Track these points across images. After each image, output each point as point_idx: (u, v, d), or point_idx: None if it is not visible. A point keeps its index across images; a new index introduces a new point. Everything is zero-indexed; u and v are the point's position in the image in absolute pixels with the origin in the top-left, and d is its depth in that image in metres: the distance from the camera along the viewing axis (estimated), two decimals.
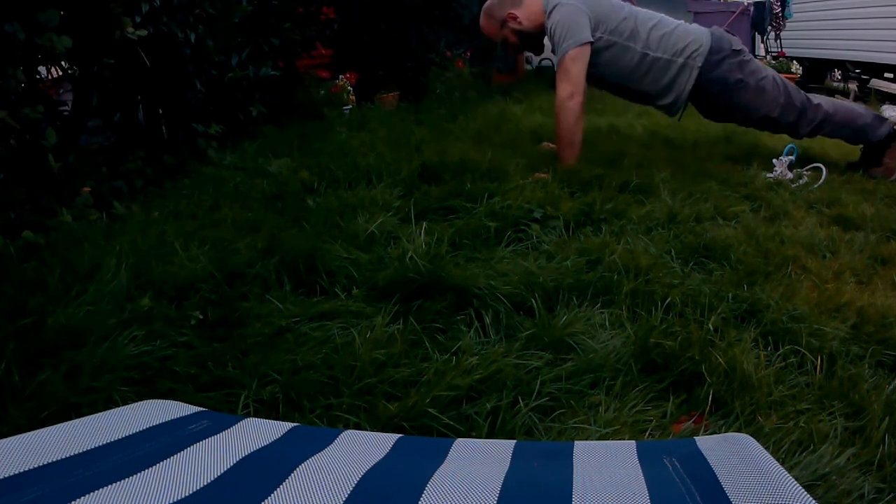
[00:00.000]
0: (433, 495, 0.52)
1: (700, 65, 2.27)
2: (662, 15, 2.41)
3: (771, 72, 2.38)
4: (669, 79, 2.31)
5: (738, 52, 2.31)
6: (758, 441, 0.61)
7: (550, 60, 7.65)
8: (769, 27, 7.81)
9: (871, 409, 0.87)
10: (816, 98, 2.41)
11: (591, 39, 2.23)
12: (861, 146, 2.44)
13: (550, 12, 2.31)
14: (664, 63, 2.29)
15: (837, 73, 7.34)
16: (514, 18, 2.41)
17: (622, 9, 2.33)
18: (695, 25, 2.39)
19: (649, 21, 2.32)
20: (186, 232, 1.44)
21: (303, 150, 2.33)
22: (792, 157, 2.27)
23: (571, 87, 2.18)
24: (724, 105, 2.35)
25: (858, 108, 2.52)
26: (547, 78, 6.53)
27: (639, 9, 2.39)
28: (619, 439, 0.80)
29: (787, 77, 5.65)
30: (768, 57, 6.90)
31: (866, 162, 2.38)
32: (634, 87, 2.36)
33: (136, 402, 0.73)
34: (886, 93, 5.85)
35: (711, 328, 1.06)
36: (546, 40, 2.39)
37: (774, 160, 2.24)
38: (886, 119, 2.42)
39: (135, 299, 1.10)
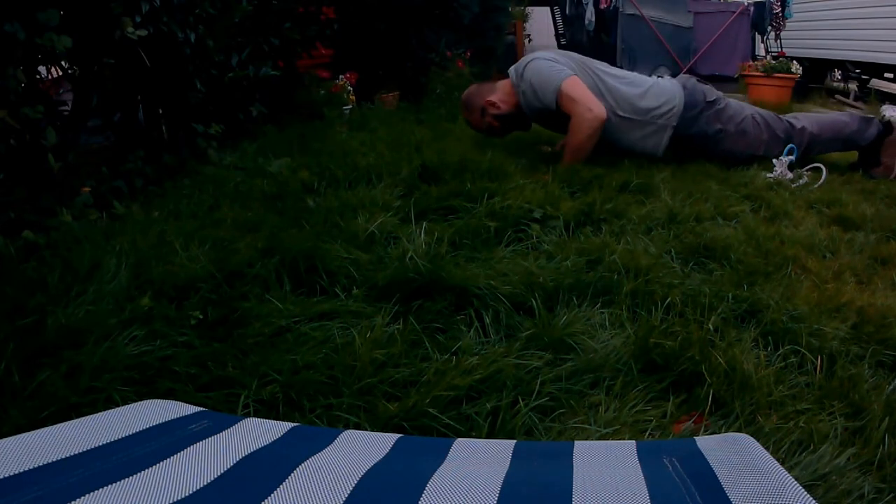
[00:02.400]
0: (433, 495, 0.52)
1: (675, 124, 2.29)
2: (635, 74, 2.44)
3: (749, 111, 2.39)
4: (644, 138, 2.33)
5: (713, 102, 2.33)
6: (758, 441, 0.61)
7: None
8: (769, 27, 7.81)
9: (871, 409, 0.87)
10: (799, 121, 2.42)
11: (575, 72, 2.24)
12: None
13: (522, 74, 2.32)
14: (638, 124, 2.31)
15: (837, 73, 7.34)
16: (492, 104, 2.44)
17: (591, 68, 2.34)
18: (667, 81, 2.40)
19: (621, 82, 2.33)
20: (186, 232, 1.44)
21: (303, 150, 2.33)
22: (792, 157, 2.27)
23: (587, 104, 2.18)
24: (709, 154, 2.36)
25: (843, 116, 2.53)
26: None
27: (609, 68, 2.41)
28: (619, 439, 0.80)
29: (787, 77, 5.66)
30: (768, 57, 6.90)
31: (865, 164, 2.39)
32: (610, 140, 2.35)
33: (136, 402, 0.73)
34: (886, 93, 5.85)
35: (711, 328, 1.06)
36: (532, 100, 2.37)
37: (774, 160, 2.24)
38: (872, 119, 2.42)
39: (135, 299, 1.10)
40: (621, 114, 2.29)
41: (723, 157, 2.34)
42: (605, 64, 2.45)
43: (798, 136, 2.36)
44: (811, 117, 2.51)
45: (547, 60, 2.30)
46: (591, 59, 2.42)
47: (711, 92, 2.38)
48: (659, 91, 2.32)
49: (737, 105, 2.42)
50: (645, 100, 2.30)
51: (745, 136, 2.33)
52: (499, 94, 2.44)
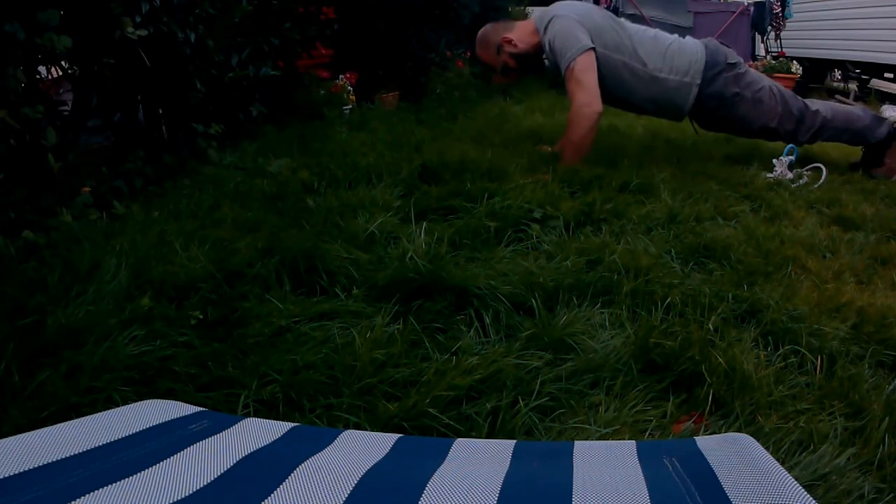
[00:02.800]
0: (433, 495, 0.52)
1: (699, 81, 2.27)
2: (657, 30, 2.42)
3: (767, 82, 2.38)
4: (669, 95, 2.31)
5: (734, 65, 2.31)
6: (758, 441, 0.61)
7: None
8: (769, 27, 7.81)
9: (871, 409, 0.87)
10: (814, 104, 2.41)
11: (592, 45, 2.22)
12: (862, 147, 2.44)
13: (545, 28, 2.30)
14: (663, 80, 2.29)
15: (837, 73, 7.34)
16: (510, 42, 2.40)
17: (617, 24, 2.33)
18: (689, 40, 2.38)
19: (645, 36, 2.31)
20: (186, 232, 1.44)
21: (303, 150, 2.33)
22: (792, 157, 2.27)
23: (588, 96, 2.17)
24: (721, 118, 2.35)
25: (857, 110, 2.52)
26: (547, 77, 6.54)
27: (634, 25, 2.39)
28: (619, 439, 0.80)
29: (787, 77, 5.65)
30: (768, 57, 6.91)
31: (867, 163, 2.39)
32: (632, 101, 2.35)
33: (136, 402, 0.73)
34: (886, 93, 5.85)
35: (711, 328, 1.06)
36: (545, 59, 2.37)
37: (774, 160, 2.24)
38: (885, 119, 2.42)
39: (135, 299, 1.10)
40: (644, 70, 2.27)
41: (735, 123, 2.32)
42: (627, 21, 2.43)
43: (811, 118, 2.35)
44: (826, 103, 2.50)
45: (571, 21, 2.24)
46: (613, 16, 2.39)
47: (733, 55, 2.36)
48: (681, 47, 2.30)
49: (756, 74, 2.41)
50: (668, 55, 2.27)
51: (760, 105, 2.31)
52: (517, 32, 2.41)
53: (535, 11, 2.41)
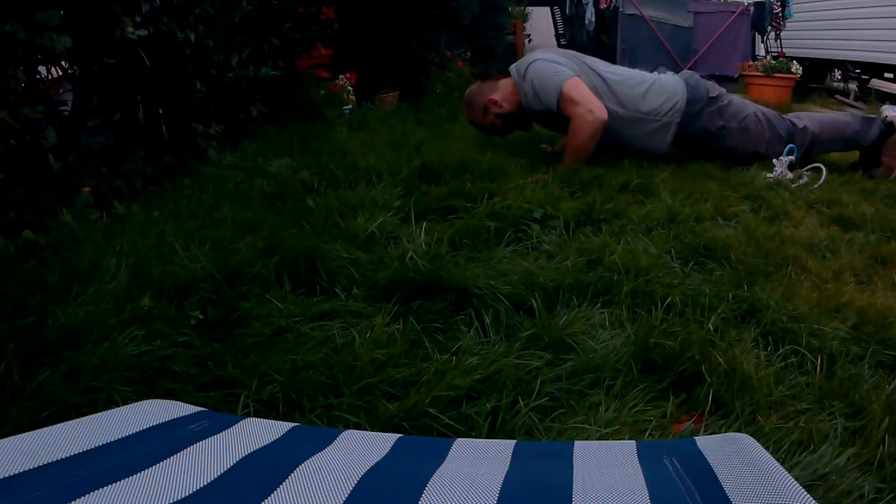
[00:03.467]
0: (433, 495, 0.52)
1: (679, 120, 2.29)
2: (637, 71, 2.44)
3: (752, 108, 2.39)
4: (648, 136, 2.33)
5: (715, 98, 2.32)
6: (758, 441, 0.61)
7: None
8: (769, 27, 7.81)
9: (871, 409, 0.87)
10: (801, 120, 2.41)
11: (577, 74, 2.23)
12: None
13: (524, 76, 2.32)
14: (641, 121, 2.30)
15: (837, 73, 7.34)
16: (494, 103, 2.43)
17: (591, 68, 2.34)
18: (669, 78, 2.40)
19: (623, 78, 2.33)
20: (186, 232, 1.44)
21: (303, 150, 2.33)
22: (792, 157, 2.27)
23: (588, 104, 2.18)
24: (711, 151, 2.36)
25: (844, 117, 2.53)
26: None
27: (611, 66, 2.41)
28: (619, 439, 0.80)
29: (787, 77, 5.66)
30: (768, 57, 6.91)
31: (866, 164, 2.39)
32: (612, 141, 2.35)
33: (136, 402, 0.73)
34: (886, 93, 5.85)
35: (711, 328, 1.06)
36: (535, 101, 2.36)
37: (774, 160, 2.24)
38: (874, 119, 2.42)
39: (135, 299, 1.10)
40: (624, 112, 2.29)
41: (725, 155, 2.33)
42: (606, 63, 2.45)
43: (800, 136, 2.36)
44: (813, 117, 2.51)
45: (549, 62, 2.30)
46: (593, 59, 2.42)
47: (714, 88, 2.37)
48: (661, 88, 2.31)
49: (739, 102, 2.42)
50: (648, 97, 2.29)
51: (747, 133, 2.33)
52: (500, 92, 2.44)
53: (511, 67, 2.44)
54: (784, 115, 2.45)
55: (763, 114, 2.39)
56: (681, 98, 2.29)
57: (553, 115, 2.28)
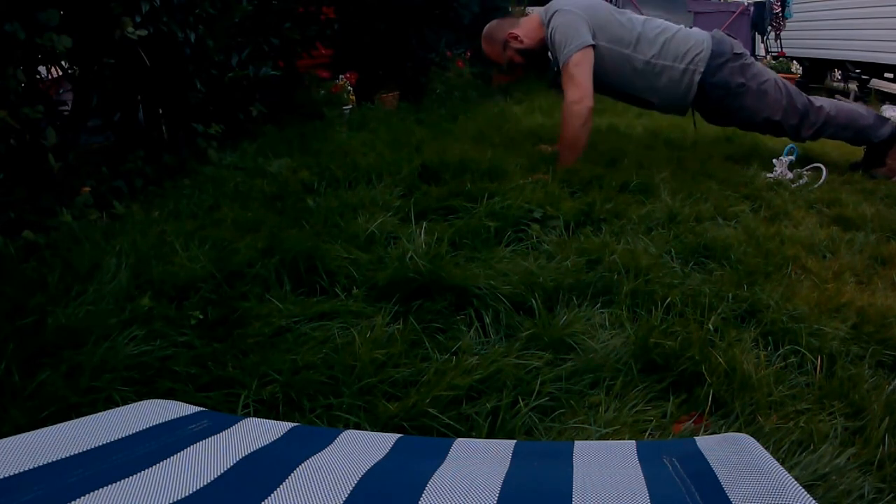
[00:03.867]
0: (433, 495, 0.52)
1: (702, 69, 2.27)
2: (662, 20, 2.41)
3: (773, 74, 2.38)
4: (672, 85, 2.31)
5: (740, 55, 2.31)
6: (758, 441, 0.61)
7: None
8: (769, 27, 7.81)
9: (871, 409, 0.87)
10: (818, 100, 2.40)
11: (593, 42, 2.22)
12: (864, 147, 2.44)
13: (549, 21, 2.30)
14: (666, 69, 2.28)
15: (837, 73, 7.33)
16: (515, 38, 2.41)
17: (621, 15, 2.33)
18: (695, 30, 2.39)
19: (649, 27, 2.31)
20: (186, 232, 1.44)
21: (303, 150, 2.33)
22: (792, 157, 2.27)
23: (579, 91, 2.17)
24: (726, 109, 2.35)
25: (860, 108, 2.52)
26: (547, 77, 6.53)
27: (638, 16, 2.39)
28: (619, 439, 0.80)
29: (787, 77, 5.66)
30: (768, 57, 6.91)
31: (869, 162, 2.38)
32: (638, 94, 2.35)
33: (136, 402, 0.73)
34: (886, 93, 5.84)
35: (711, 328, 1.06)
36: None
37: (774, 160, 2.24)
38: (888, 119, 2.42)
39: (135, 299, 1.10)
40: (652, 60, 2.27)
41: (739, 115, 2.32)
42: (632, 12, 2.44)
43: (815, 113, 2.34)
44: (830, 101, 2.50)
45: (573, 16, 2.25)
46: (618, 9, 2.40)
47: (739, 46, 2.36)
48: (686, 35, 2.30)
49: (761, 66, 2.41)
50: (672, 43, 2.27)
51: (765, 97, 2.31)
52: (523, 28, 2.42)
53: (541, 9, 2.41)
54: (803, 93, 2.44)
55: (783, 83, 2.38)
56: (706, 48, 2.26)
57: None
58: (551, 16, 2.30)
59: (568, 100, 2.19)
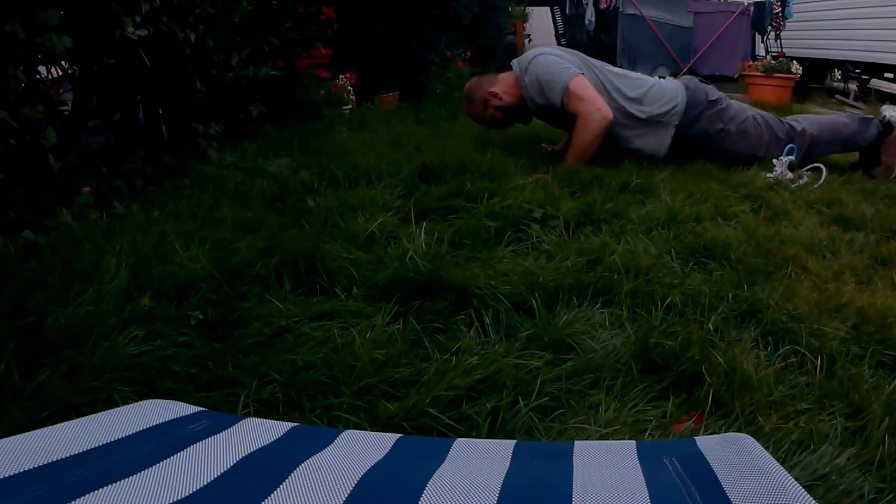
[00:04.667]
0: (433, 495, 0.52)
1: (677, 123, 2.30)
2: (638, 74, 2.46)
3: (751, 112, 2.41)
4: (646, 137, 2.33)
5: (715, 101, 2.34)
6: (758, 441, 0.61)
7: None
8: (769, 27, 7.81)
9: (871, 409, 0.87)
10: (799, 123, 2.42)
11: (582, 72, 2.24)
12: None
13: (525, 70, 2.32)
14: (640, 123, 2.31)
15: (837, 73, 7.34)
16: (494, 95, 2.43)
17: (595, 66, 2.35)
18: (669, 82, 2.42)
19: (624, 81, 2.34)
20: (186, 232, 1.44)
21: (303, 150, 2.33)
22: (792, 157, 2.27)
23: (594, 104, 2.19)
24: (711, 153, 2.37)
25: (842, 118, 2.54)
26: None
27: (612, 68, 2.42)
28: (619, 439, 0.80)
29: (787, 77, 5.65)
30: (768, 57, 6.91)
31: (865, 164, 2.39)
32: (612, 138, 2.34)
33: (136, 402, 0.73)
34: (886, 93, 5.85)
35: (711, 328, 1.06)
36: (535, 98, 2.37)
37: (774, 160, 2.24)
38: (871, 119, 2.43)
39: (135, 299, 1.10)
40: (624, 111, 2.29)
41: (724, 157, 2.34)
42: (607, 63, 2.46)
43: (799, 139, 2.36)
44: (811, 119, 2.52)
45: (554, 56, 2.30)
46: (592, 58, 2.43)
47: (713, 91, 2.38)
48: (661, 90, 2.32)
49: (738, 106, 2.43)
50: (648, 98, 2.30)
51: (746, 137, 2.34)
52: (501, 85, 2.44)
53: (514, 62, 2.46)
54: (783, 119, 2.46)
55: (762, 117, 2.40)
56: (680, 101, 2.29)
57: (555, 110, 2.28)
58: (527, 65, 2.32)
59: (585, 112, 2.19)
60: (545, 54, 2.32)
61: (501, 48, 6.70)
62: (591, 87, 2.22)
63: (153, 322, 1.04)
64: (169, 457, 0.56)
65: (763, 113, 2.45)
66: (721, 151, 2.35)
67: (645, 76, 2.44)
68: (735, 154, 2.34)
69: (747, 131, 2.33)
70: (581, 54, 2.42)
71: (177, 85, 2.15)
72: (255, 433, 0.65)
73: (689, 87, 2.34)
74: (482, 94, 2.46)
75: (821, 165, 2.23)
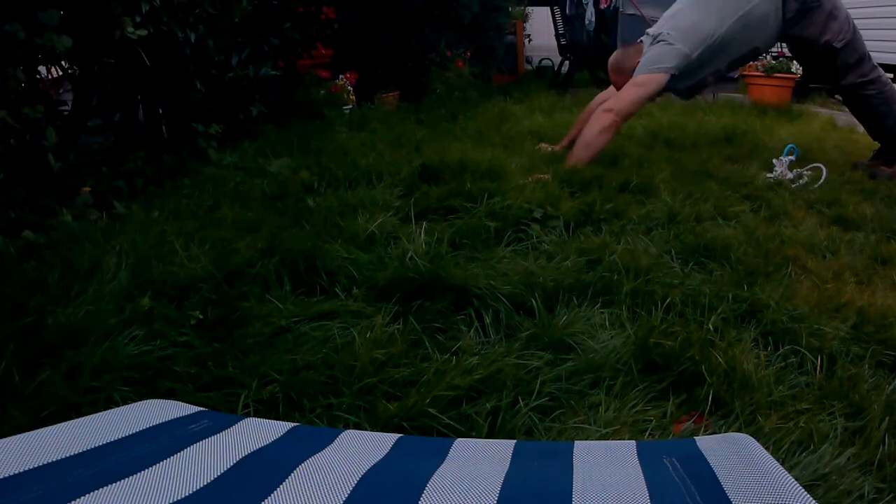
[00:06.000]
0: (433, 495, 0.52)
1: None
2: None
3: (847, 10, 2.40)
4: (759, 23, 2.31)
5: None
6: (758, 441, 0.61)
7: (551, 60, 7.65)
8: None
9: (871, 409, 0.87)
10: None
11: (674, 72, 2.26)
12: (880, 141, 2.43)
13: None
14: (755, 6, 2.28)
15: None
16: None
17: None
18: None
19: None
20: (186, 232, 1.44)
21: (303, 150, 2.33)
22: (792, 157, 2.27)
23: (618, 105, 2.22)
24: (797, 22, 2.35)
25: None
26: (546, 77, 6.53)
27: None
28: (619, 439, 0.80)
29: (787, 77, 5.63)
30: (768, 57, 6.90)
31: (881, 157, 2.38)
32: (753, 46, 2.34)
33: (136, 401, 0.73)
34: None
35: (711, 328, 1.06)
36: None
37: (774, 160, 2.24)
38: None
39: (135, 299, 1.10)
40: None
41: (808, 30, 2.33)
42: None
43: (869, 65, 2.36)
44: (887, 76, 2.51)
45: (669, 46, 2.29)
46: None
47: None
48: None
49: None
50: None
51: (833, 21, 2.32)
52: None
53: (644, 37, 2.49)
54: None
55: (854, 23, 2.38)
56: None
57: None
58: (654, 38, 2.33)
59: (606, 105, 2.23)
60: (665, 42, 2.30)
61: (501, 48, 6.69)
62: (648, 92, 2.25)
63: (153, 322, 1.04)
64: (169, 457, 0.56)
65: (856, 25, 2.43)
66: (808, 22, 2.33)
67: None
68: (818, 29, 2.32)
69: (836, 18, 2.31)
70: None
71: (177, 85, 2.15)
72: (255, 433, 0.64)
73: None
74: (632, 63, 2.44)
75: (821, 165, 2.23)
